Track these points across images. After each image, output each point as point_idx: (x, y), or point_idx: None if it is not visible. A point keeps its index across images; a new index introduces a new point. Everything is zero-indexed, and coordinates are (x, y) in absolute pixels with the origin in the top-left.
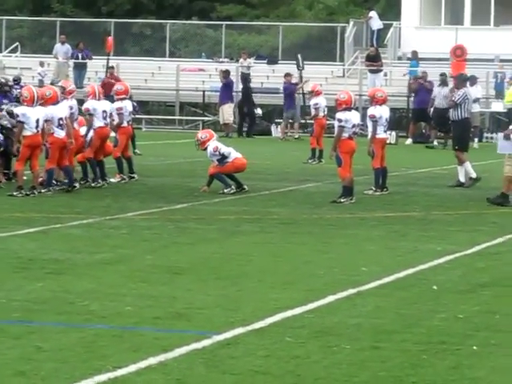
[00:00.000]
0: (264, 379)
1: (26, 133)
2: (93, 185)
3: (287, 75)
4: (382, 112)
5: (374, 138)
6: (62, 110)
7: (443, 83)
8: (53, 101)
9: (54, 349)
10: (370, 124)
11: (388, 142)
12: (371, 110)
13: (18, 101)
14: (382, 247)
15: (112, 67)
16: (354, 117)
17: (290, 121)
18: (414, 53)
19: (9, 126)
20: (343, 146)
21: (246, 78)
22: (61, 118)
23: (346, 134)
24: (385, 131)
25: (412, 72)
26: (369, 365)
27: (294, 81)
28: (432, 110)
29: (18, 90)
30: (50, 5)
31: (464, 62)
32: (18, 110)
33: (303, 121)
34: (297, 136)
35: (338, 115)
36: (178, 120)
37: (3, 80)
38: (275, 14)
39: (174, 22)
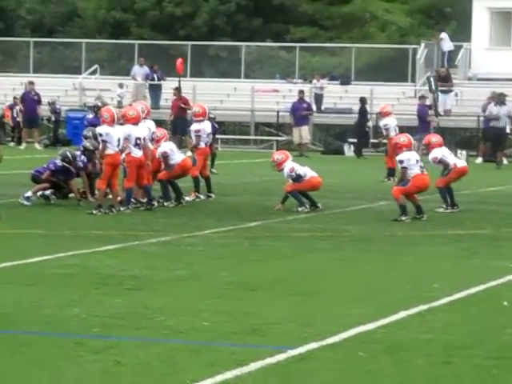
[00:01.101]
0: None
1: (109, 151)
2: (165, 204)
3: (421, 97)
4: (443, 152)
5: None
6: (141, 130)
7: (501, 103)
8: (134, 121)
9: (132, 363)
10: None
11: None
12: (433, 154)
13: None
14: (453, 264)
15: (178, 89)
16: (413, 156)
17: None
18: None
19: (91, 148)
20: (416, 182)
21: (363, 100)
22: (138, 138)
23: (412, 172)
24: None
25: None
26: (441, 380)
27: (428, 103)
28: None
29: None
30: (128, 28)
31: None
32: (101, 129)
33: (376, 141)
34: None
35: (399, 157)
36: (252, 140)
37: (100, 104)
38: (348, 35)
39: (248, 44)
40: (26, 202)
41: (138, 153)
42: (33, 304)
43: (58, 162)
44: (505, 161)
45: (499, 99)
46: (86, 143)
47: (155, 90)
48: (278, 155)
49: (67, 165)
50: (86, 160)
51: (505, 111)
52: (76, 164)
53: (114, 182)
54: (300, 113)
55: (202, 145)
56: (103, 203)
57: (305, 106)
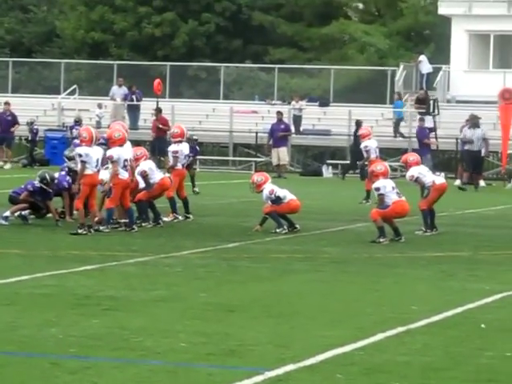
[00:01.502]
0: None
1: (87, 172)
2: (143, 225)
3: (420, 120)
4: (420, 171)
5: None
6: (127, 151)
7: (475, 126)
8: (121, 142)
9: None
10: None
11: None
12: (410, 173)
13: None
14: (431, 286)
15: (159, 110)
16: (389, 183)
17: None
18: (399, 94)
19: (76, 169)
20: (396, 208)
21: (358, 123)
22: (126, 160)
23: (390, 199)
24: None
25: (398, 113)
26: None
27: (428, 125)
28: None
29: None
30: (107, 48)
31: None
32: (81, 150)
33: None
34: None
35: (375, 185)
36: (231, 161)
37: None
38: (327, 57)
39: (227, 65)
40: (3, 222)
41: (125, 175)
42: (9, 324)
43: (36, 184)
44: (482, 183)
45: (473, 122)
46: (71, 164)
47: (133, 111)
48: (257, 177)
49: (45, 186)
50: (70, 181)
51: (478, 134)
52: (57, 185)
53: (93, 203)
54: (278, 134)
55: (179, 166)
56: (85, 222)
57: (282, 127)
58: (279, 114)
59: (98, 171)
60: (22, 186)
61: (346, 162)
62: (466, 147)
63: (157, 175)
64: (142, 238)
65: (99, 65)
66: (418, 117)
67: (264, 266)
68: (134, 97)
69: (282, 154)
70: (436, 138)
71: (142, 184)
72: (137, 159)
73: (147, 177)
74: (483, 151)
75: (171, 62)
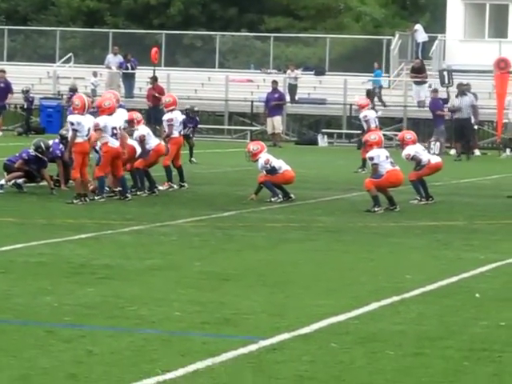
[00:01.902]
0: None
1: (78, 140)
2: (138, 193)
3: (434, 91)
4: (416, 149)
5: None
6: (116, 119)
7: (462, 93)
8: (110, 112)
9: (104, 352)
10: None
11: (432, 152)
12: (406, 151)
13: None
14: (426, 256)
15: (155, 78)
16: (383, 152)
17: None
18: (377, 63)
19: (67, 135)
20: (390, 177)
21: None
22: (114, 128)
23: (384, 168)
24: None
25: (376, 81)
26: (412, 371)
27: (442, 96)
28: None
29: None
30: (102, 17)
31: (508, 74)
32: (73, 118)
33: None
34: (452, 152)
35: (369, 154)
36: (226, 129)
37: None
38: (322, 26)
39: (223, 34)
40: None
41: (115, 143)
42: (4, 292)
43: (31, 152)
44: (477, 152)
45: (460, 90)
46: (63, 131)
47: (129, 79)
48: (253, 146)
49: (40, 155)
50: (63, 148)
51: (466, 102)
52: (51, 153)
53: (84, 171)
54: (272, 103)
55: (176, 134)
56: (81, 192)
57: (277, 96)
58: (274, 83)
59: (88, 140)
60: (17, 155)
61: (341, 131)
62: (456, 116)
63: (153, 141)
64: (137, 206)
65: (94, 33)
66: (432, 88)
67: (259, 235)
68: (129, 65)
69: (276, 123)
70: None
71: (138, 149)
72: (138, 122)
73: (144, 142)
74: (473, 119)
75: (167, 30)
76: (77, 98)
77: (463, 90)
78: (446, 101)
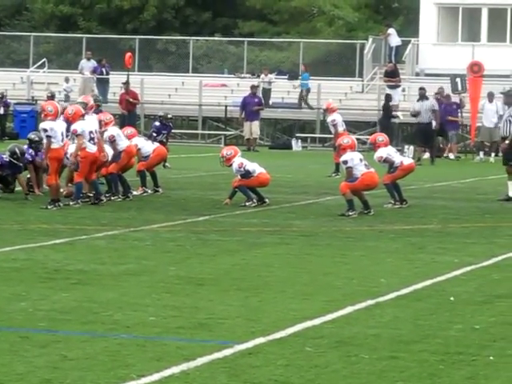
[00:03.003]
0: None
1: (54, 146)
2: (113, 198)
3: (447, 96)
4: (388, 152)
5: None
6: (91, 123)
7: (423, 97)
8: (77, 117)
9: (79, 357)
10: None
11: (406, 155)
12: (378, 154)
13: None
14: (401, 259)
15: (127, 83)
16: (356, 156)
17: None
18: (305, 66)
19: (36, 139)
20: (365, 180)
21: (387, 96)
22: (91, 132)
23: (359, 171)
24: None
25: (303, 85)
26: (387, 374)
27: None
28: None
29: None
30: (76, 21)
31: (481, 77)
32: (45, 125)
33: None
34: (452, 157)
35: (342, 158)
36: (200, 134)
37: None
38: (296, 30)
39: (197, 38)
40: None
41: (92, 148)
42: None
43: (6, 158)
44: (451, 156)
45: (421, 94)
46: (31, 135)
47: (103, 84)
48: (227, 151)
49: (15, 161)
50: (33, 153)
51: (427, 106)
52: (24, 159)
53: (56, 177)
54: (251, 107)
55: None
56: (56, 198)
57: (256, 100)
58: (253, 87)
59: (64, 145)
60: None
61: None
62: (417, 120)
63: (123, 142)
64: (112, 211)
65: (68, 38)
66: (445, 93)
67: (233, 240)
68: (104, 70)
69: (254, 128)
70: (461, 115)
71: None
72: (106, 124)
73: (115, 142)
74: (433, 124)
75: (140, 35)
76: (49, 105)
77: (424, 94)
78: (459, 106)
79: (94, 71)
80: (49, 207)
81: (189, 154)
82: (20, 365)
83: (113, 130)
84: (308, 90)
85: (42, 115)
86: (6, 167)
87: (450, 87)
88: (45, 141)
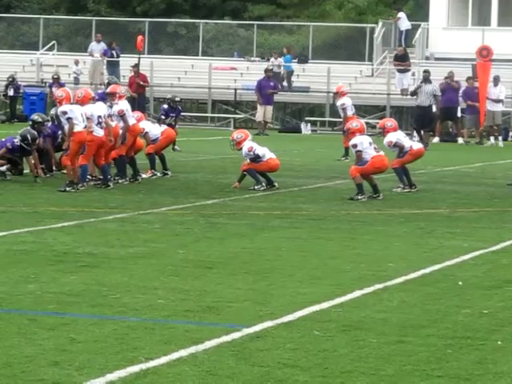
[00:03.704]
0: (292, 372)
1: (77, 128)
2: (120, 181)
3: (469, 78)
4: (398, 136)
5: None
6: (100, 108)
7: (426, 80)
8: (86, 101)
9: (87, 340)
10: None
11: (415, 139)
12: (387, 138)
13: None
14: (409, 243)
15: (136, 66)
16: (365, 139)
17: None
18: (288, 48)
19: (40, 120)
20: (375, 163)
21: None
22: (100, 116)
23: (368, 154)
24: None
25: (286, 67)
26: (395, 358)
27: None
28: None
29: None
30: (85, 4)
31: (490, 62)
32: (64, 108)
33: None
34: (461, 141)
35: (352, 142)
36: (210, 117)
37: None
38: (305, 14)
39: (206, 21)
40: None
41: (100, 132)
42: None
43: (17, 142)
44: (461, 140)
45: (424, 77)
46: (34, 116)
47: (113, 67)
48: (237, 134)
49: (25, 146)
50: (53, 127)
51: (428, 89)
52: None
53: (75, 161)
54: (266, 91)
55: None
56: (74, 179)
57: (272, 84)
58: (269, 71)
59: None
60: (3, 140)
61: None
62: (417, 103)
63: (131, 120)
64: (121, 194)
65: (77, 21)
66: (467, 76)
67: (242, 223)
68: (114, 52)
69: (268, 112)
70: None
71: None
72: (120, 97)
73: (124, 116)
74: (434, 107)
75: (150, 18)
76: (59, 91)
77: (427, 77)
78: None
79: (104, 54)
80: (67, 189)
81: (198, 137)
82: (28, 347)
83: (123, 105)
84: (291, 73)
85: (57, 103)
86: (16, 151)
87: (472, 74)
88: (65, 123)
